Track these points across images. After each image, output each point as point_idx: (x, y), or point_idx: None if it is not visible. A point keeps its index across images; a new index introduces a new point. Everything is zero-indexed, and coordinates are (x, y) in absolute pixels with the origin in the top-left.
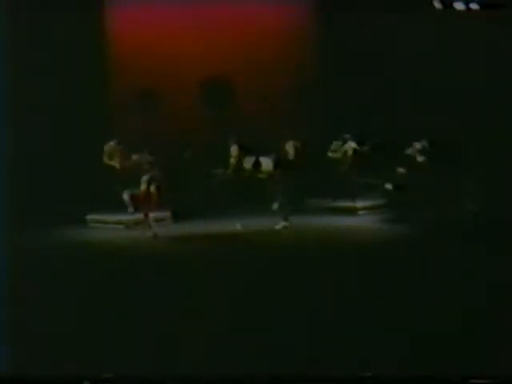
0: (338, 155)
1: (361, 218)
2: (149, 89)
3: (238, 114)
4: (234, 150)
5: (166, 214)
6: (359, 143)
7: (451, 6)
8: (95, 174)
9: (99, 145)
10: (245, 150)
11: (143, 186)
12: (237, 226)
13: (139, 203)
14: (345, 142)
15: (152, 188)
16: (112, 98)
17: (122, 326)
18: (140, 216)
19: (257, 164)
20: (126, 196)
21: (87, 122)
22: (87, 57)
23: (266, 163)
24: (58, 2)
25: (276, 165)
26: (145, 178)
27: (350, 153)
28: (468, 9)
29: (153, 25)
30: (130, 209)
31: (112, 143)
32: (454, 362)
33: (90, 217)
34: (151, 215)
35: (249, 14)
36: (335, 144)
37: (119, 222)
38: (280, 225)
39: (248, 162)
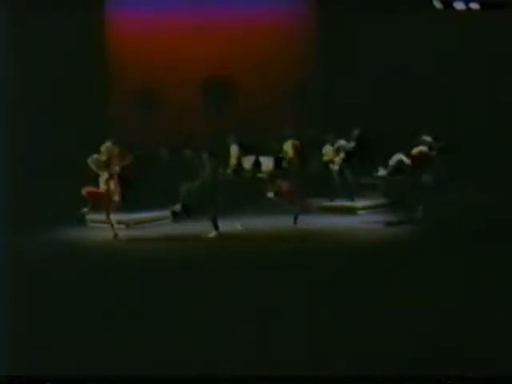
0: (329, 157)
1: (361, 218)
2: (148, 88)
3: (238, 113)
4: (233, 150)
5: (166, 213)
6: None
7: (451, 6)
8: (95, 173)
9: (99, 144)
10: (244, 150)
11: (103, 186)
12: (237, 226)
13: (98, 201)
14: (332, 143)
15: (112, 187)
16: (112, 98)
17: (122, 326)
18: (140, 216)
19: (257, 164)
20: (83, 192)
21: (87, 122)
22: (87, 57)
23: (266, 163)
24: (58, 1)
25: (276, 164)
26: (104, 177)
27: (339, 153)
28: (468, 9)
29: (153, 25)
30: (87, 207)
31: (108, 143)
32: (454, 362)
33: (89, 217)
34: (113, 216)
35: (249, 13)
36: (326, 148)
37: (119, 222)
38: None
39: (248, 162)
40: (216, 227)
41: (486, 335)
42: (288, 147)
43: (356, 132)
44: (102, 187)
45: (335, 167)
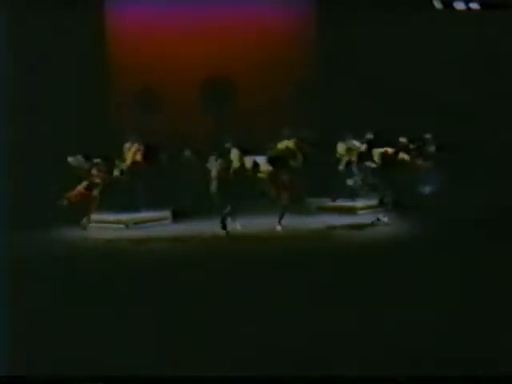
0: (340, 155)
1: (361, 217)
2: (148, 89)
3: (238, 114)
4: (234, 153)
5: (166, 213)
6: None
7: (451, 6)
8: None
9: (99, 144)
10: (244, 152)
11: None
12: (237, 226)
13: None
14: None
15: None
16: (112, 98)
17: (122, 326)
18: (140, 216)
19: (255, 164)
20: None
21: (87, 122)
22: (87, 57)
23: (264, 163)
24: (58, 1)
25: (270, 164)
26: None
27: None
28: (468, 9)
29: (153, 24)
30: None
31: (127, 144)
32: (455, 363)
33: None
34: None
35: (249, 14)
36: (340, 146)
37: (119, 222)
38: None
39: (247, 162)
40: (224, 227)
41: (487, 335)
42: (283, 146)
43: (369, 135)
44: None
45: (341, 166)
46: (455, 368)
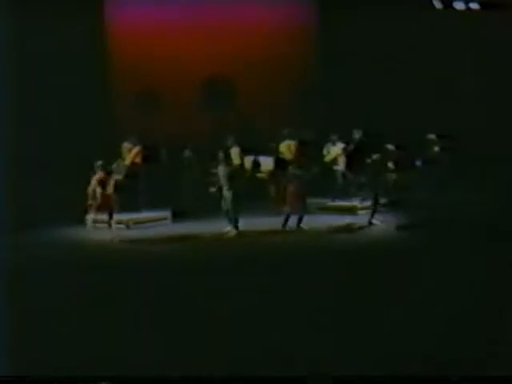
0: (330, 157)
1: (361, 217)
2: (148, 89)
3: (238, 113)
4: (234, 152)
5: (166, 213)
6: (346, 143)
7: (451, 6)
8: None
9: (99, 144)
10: (244, 151)
11: (98, 190)
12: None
13: (99, 208)
14: (334, 143)
15: (108, 189)
16: (112, 98)
17: (122, 327)
18: (140, 216)
19: (255, 164)
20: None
21: (87, 122)
22: (87, 57)
23: (266, 163)
24: (59, 1)
25: (276, 165)
26: (94, 182)
27: (339, 153)
28: (468, 9)
29: (153, 25)
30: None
31: (126, 143)
32: (455, 363)
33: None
34: (114, 217)
35: (249, 14)
36: (326, 147)
37: (119, 222)
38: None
39: (247, 162)
40: (236, 226)
41: (487, 335)
42: (285, 147)
43: (358, 135)
44: (97, 191)
45: (339, 168)
46: (455, 368)
